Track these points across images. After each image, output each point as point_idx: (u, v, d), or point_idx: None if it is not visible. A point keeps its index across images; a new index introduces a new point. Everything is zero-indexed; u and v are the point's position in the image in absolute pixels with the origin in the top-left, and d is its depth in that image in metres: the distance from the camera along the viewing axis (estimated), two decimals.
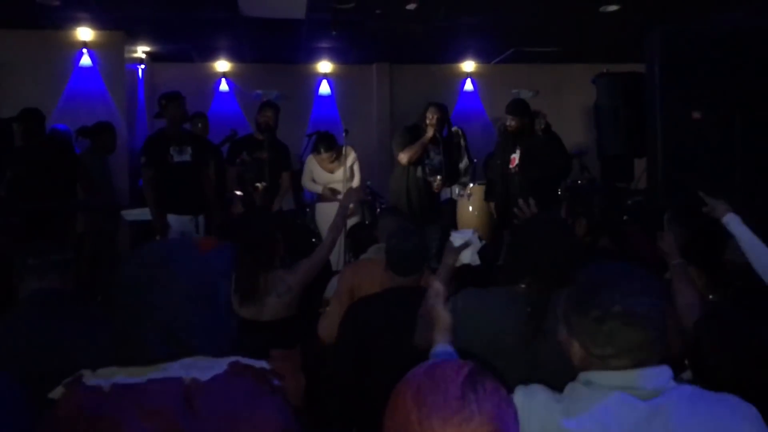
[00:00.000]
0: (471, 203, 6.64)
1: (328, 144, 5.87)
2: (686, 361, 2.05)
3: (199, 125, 6.79)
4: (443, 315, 1.78)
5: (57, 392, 1.24)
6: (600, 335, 1.35)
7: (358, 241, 3.94)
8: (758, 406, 1.78)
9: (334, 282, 3.63)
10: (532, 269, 1.99)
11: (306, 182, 6.07)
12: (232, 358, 1.26)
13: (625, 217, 4.89)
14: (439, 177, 5.50)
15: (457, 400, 1.08)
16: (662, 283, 1.48)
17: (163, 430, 1.16)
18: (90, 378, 1.22)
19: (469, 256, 2.28)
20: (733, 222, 2.65)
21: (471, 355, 1.55)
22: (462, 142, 7.19)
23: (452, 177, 5.95)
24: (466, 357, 1.39)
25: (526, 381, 1.54)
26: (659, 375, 1.34)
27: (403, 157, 5.43)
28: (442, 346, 1.72)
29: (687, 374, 2.04)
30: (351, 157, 6.01)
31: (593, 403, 1.33)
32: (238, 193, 5.55)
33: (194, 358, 1.25)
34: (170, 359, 1.24)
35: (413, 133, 5.51)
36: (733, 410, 1.35)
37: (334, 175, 5.93)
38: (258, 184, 5.40)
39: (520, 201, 2.65)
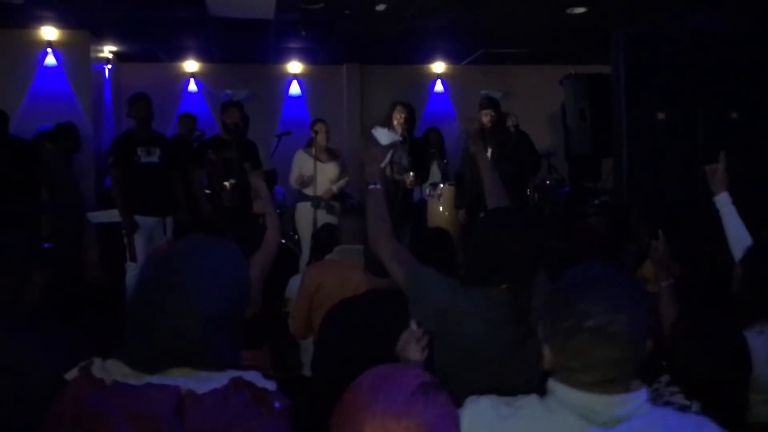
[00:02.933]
0: (441, 203, 6.66)
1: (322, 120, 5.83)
2: (663, 363, 2.09)
3: (186, 125, 6.75)
4: (414, 358, 1.79)
5: (72, 374, 1.25)
6: (568, 348, 1.26)
7: (322, 241, 3.91)
8: (730, 405, 1.84)
9: (294, 281, 3.62)
10: (512, 270, 1.90)
11: (295, 180, 5.81)
12: (236, 373, 1.23)
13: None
14: (412, 173, 5.51)
15: (404, 397, 1.14)
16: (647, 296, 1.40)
17: None
18: (98, 369, 1.23)
19: (387, 160, 2.27)
20: (725, 202, 2.70)
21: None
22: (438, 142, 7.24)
23: (422, 176, 5.96)
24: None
25: (520, 378, 1.54)
26: (625, 402, 1.24)
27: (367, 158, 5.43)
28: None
29: (666, 378, 2.07)
30: (342, 157, 5.99)
31: (543, 418, 1.27)
32: (207, 191, 5.50)
33: (198, 369, 1.23)
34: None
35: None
36: None
37: (327, 166, 5.78)
38: (226, 183, 5.35)
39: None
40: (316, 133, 5.76)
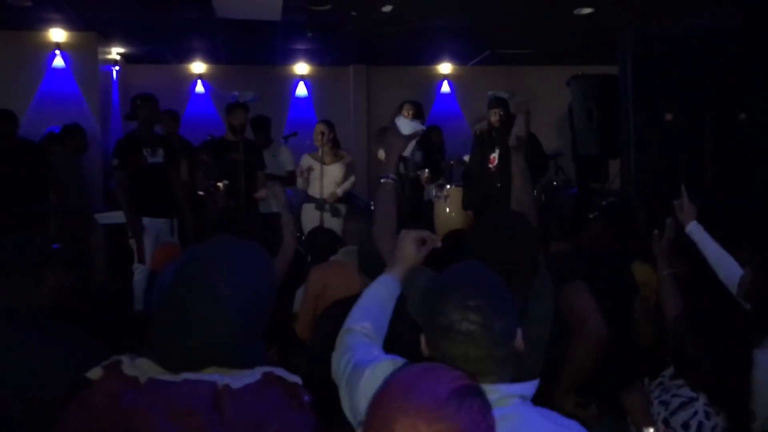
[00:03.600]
0: (448, 205, 6.66)
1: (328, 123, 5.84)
2: (669, 357, 2.10)
3: (169, 122, 6.73)
4: (409, 252, 1.81)
5: (95, 373, 1.26)
6: (429, 340, 1.37)
7: (316, 242, 3.90)
8: (733, 397, 1.89)
9: (299, 293, 3.62)
10: (505, 275, 1.95)
11: (301, 182, 5.83)
12: (267, 369, 1.28)
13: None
14: (427, 170, 5.49)
15: (440, 400, 1.10)
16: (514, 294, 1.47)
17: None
18: (128, 367, 1.24)
19: (410, 150, 2.22)
20: (697, 230, 2.67)
21: None
22: (440, 140, 7.23)
23: (436, 173, 5.93)
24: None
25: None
26: (487, 392, 1.28)
27: (381, 154, 5.45)
28: (388, 276, 1.79)
29: (670, 371, 2.09)
30: (349, 158, 5.98)
31: None
32: (200, 192, 5.50)
33: (230, 366, 1.27)
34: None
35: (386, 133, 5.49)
36: None
37: (332, 168, 5.78)
38: (219, 184, 5.35)
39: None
40: (316, 133, 5.78)
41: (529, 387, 1.36)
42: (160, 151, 5.27)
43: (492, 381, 1.32)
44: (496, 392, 1.30)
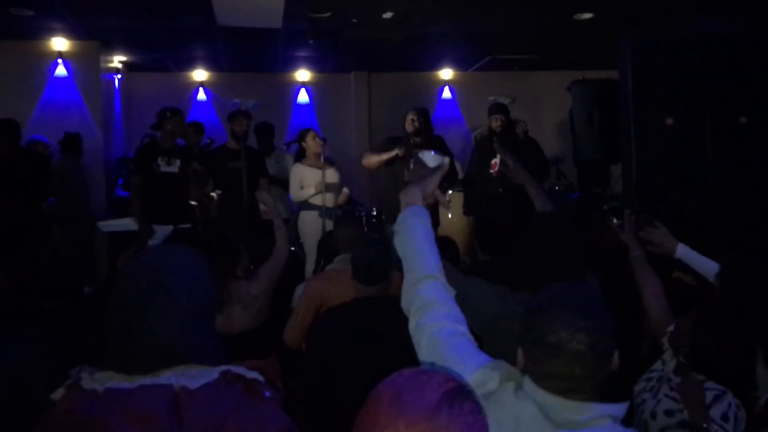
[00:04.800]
0: (450, 210, 6.66)
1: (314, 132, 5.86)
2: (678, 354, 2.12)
3: (193, 135, 6.78)
4: (433, 185, 1.82)
5: (58, 393, 1.26)
6: (532, 356, 1.38)
7: (328, 249, 3.91)
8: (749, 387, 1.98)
9: (298, 290, 3.63)
10: (559, 272, 1.93)
11: (295, 193, 5.78)
12: (224, 368, 1.27)
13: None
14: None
15: (430, 409, 1.08)
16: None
17: None
18: (87, 382, 1.24)
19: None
20: (685, 252, 2.68)
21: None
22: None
23: (449, 179, 5.84)
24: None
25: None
26: (582, 410, 1.33)
27: (369, 161, 5.43)
28: (416, 206, 1.75)
29: (669, 366, 2.11)
30: (333, 171, 5.98)
31: (515, 404, 1.37)
32: (193, 203, 5.52)
33: (187, 366, 1.26)
34: (162, 368, 1.26)
35: (391, 144, 5.43)
36: None
37: (329, 173, 5.75)
38: (213, 194, 5.39)
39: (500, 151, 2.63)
40: (312, 140, 5.78)
41: (621, 408, 1.36)
42: (177, 162, 5.35)
43: (586, 399, 1.34)
44: (592, 411, 1.32)
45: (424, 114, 5.50)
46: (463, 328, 1.58)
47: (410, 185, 1.86)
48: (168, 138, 5.40)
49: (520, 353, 1.42)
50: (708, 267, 2.61)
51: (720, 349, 2.01)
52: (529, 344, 1.39)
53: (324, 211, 5.60)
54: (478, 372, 1.45)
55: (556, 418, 1.31)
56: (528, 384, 1.39)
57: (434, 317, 1.56)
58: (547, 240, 2.00)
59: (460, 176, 6.20)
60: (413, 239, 1.71)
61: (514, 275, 2.11)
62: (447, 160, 2.08)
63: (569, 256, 1.95)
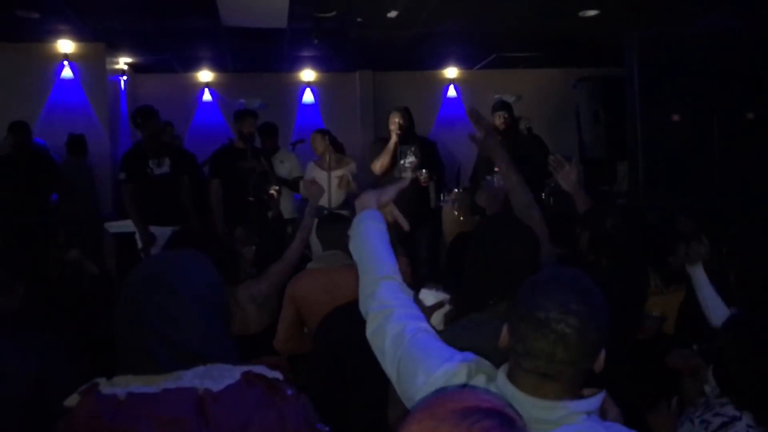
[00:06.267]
0: (456, 209, 6.65)
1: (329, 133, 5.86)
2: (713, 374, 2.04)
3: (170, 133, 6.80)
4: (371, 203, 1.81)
5: (72, 400, 1.25)
6: (517, 331, 1.32)
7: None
8: None
9: None
10: (509, 286, 1.84)
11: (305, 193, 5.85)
12: (245, 368, 1.29)
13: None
14: (424, 171, 5.43)
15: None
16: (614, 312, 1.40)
17: None
18: (106, 387, 1.24)
19: (438, 319, 2.12)
20: (699, 274, 2.71)
21: None
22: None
23: (436, 174, 5.83)
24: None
25: None
26: (553, 408, 1.28)
27: (375, 167, 5.44)
28: (371, 210, 1.78)
29: (715, 389, 2.00)
30: (353, 164, 5.99)
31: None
32: (251, 199, 5.46)
33: (207, 367, 1.27)
34: (179, 368, 1.26)
35: (381, 143, 5.48)
36: None
37: (337, 174, 5.80)
38: (272, 191, 5.36)
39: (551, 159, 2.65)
40: (316, 141, 5.80)
41: (595, 401, 1.32)
42: (167, 161, 5.32)
43: (558, 395, 1.29)
44: (563, 409, 1.28)
45: (404, 112, 5.47)
46: (425, 324, 1.57)
47: (366, 191, 1.86)
48: (150, 140, 5.33)
49: (504, 330, 1.37)
50: (711, 299, 2.62)
51: (744, 365, 1.86)
52: (516, 318, 1.34)
53: (319, 211, 5.60)
54: (446, 366, 1.44)
55: (527, 417, 1.24)
56: (501, 378, 1.35)
57: (395, 321, 1.55)
58: (491, 249, 1.90)
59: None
60: (368, 241, 1.72)
61: (463, 295, 1.99)
62: (446, 297, 2.07)
63: (518, 261, 1.85)
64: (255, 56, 8.24)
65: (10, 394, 1.96)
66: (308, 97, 9.28)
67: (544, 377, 1.29)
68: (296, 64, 8.77)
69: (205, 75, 9.05)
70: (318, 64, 8.86)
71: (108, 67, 7.57)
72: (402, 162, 5.36)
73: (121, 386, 1.23)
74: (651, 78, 5.09)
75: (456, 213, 6.68)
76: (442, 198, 6.81)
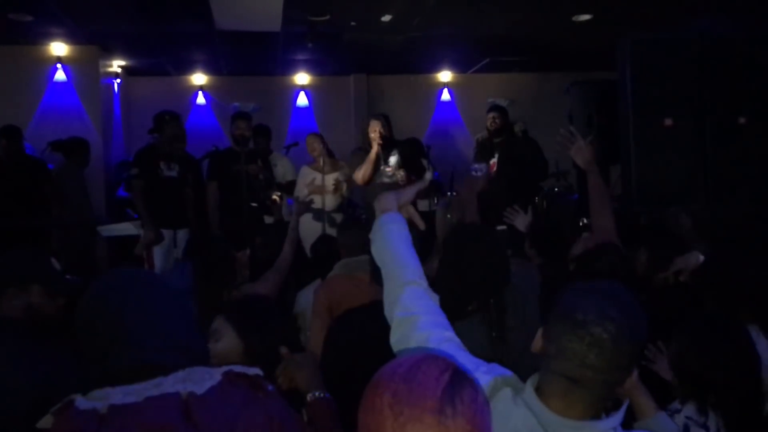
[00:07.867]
0: (449, 211, 6.64)
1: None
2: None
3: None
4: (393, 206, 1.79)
5: (46, 421, 1.22)
6: (554, 330, 1.31)
7: (320, 253, 3.84)
8: (745, 403, 1.86)
9: (301, 296, 3.61)
10: (483, 292, 1.91)
11: (300, 191, 5.74)
12: (226, 368, 1.29)
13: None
14: (402, 170, 5.35)
15: (433, 414, 1.05)
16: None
17: None
18: (82, 402, 1.21)
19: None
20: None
21: None
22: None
23: (417, 174, 5.76)
24: None
25: None
26: (579, 428, 1.27)
27: (357, 177, 5.42)
28: (392, 213, 1.75)
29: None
30: (346, 168, 5.97)
31: (512, 411, 1.32)
32: (254, 204, 5.45)
33: (186, 371, 1.26)
34: (168, 361, 1.26)
35: (361, 153, 5.44)
36: None
37: (331, 177, 5.79)
38: (275, 196, 5.42)
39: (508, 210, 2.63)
40: (309, 144, 5.79)
41: (619, 416, 1.31)
42: (176, 167, 5.40)
43: (584, 412, 1.27)
44: (591, 429, 1.27)
45: (383, 119, 5.41)
46: (450, 333, 1.53)
47: (385, 193, 1.83)
48: (167, 142, 5.39)
49: (539, 333, 1.36)
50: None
51: (702, 358, 1.90)
52: (553, 318, 1.32)
53: (317, 215, 5.60)
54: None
55: (549, 430, 1.24)
56: (528, 392, 1.32)
57: (420, 329, 1.52)
58: (466, 251, 1.92)
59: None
60: (391, 245, 1.67)
61: (447, 300, 1.98)
62: (429, 175, 2.07)
63: (490, 267, 1.88)
64: (249, 59, 8.24)
65: (12, 407, 1.83)
66: (302, 100, 9.28)
67: (572, 383, 1.27)
68: (290, 67, 8.77)
69: (198, 78, 9.05)
70: (312, 67, 8.86)
71: (101, 70, 7.56)
72: (382, 167, 5.34)
73: (99, 400, 1.20)
74: (644, 82, 5.11)
75: (449, 217, 6.68)
76: (435, 201, 6.81)
